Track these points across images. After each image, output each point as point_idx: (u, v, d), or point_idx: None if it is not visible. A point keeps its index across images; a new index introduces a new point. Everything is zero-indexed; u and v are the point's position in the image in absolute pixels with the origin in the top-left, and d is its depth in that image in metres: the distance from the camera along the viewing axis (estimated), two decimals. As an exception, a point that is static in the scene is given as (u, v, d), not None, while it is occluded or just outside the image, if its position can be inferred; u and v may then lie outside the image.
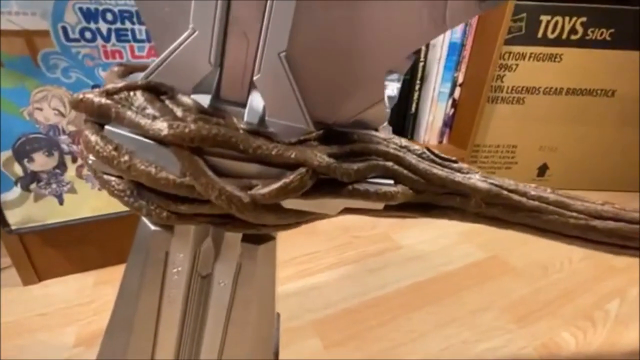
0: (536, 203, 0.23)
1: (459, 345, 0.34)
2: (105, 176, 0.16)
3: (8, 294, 0.37)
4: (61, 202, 0.34)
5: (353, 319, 0.35)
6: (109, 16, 0.29)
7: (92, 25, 0.29)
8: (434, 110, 0.60)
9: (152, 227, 0.18)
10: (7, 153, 0.31)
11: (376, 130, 0.20)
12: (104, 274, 0.40)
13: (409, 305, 0.38)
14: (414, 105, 0.60)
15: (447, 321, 0.36)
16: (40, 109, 0.30)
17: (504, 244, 0.49)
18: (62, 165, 0.33)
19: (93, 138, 0.15)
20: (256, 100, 0.17)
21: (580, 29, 0.56)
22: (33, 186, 0.33)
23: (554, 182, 0.68)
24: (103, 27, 0.29)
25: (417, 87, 0.59)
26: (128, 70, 0.18)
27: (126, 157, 0.15)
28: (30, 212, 0.33)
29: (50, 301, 0.36)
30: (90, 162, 0.16)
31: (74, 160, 0.34)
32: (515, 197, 0.22)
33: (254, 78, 0.16)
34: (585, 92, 0.60)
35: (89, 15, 0.29)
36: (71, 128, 0.32)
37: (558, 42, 0.56)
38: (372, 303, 0.38)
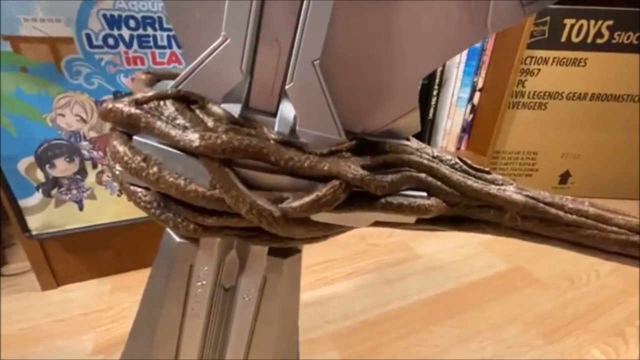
0: (574, 217, 0.22)
1: (483, 362, 0.32)
2: (132, 187, 0.16)
3: (27, 299, 0.37)
4: (81, 208, 0.34)
5: (373, 331, 0.34)
6: (132, 23, 0.29)
7: (115, 32, 0.29)
8: (452, 116, 0.59)
9: (178, 239, 0.18)
10: (30, 159, 0.31)
11: (407, 139, 0.19)
12: (121, 280, 0.39)
13: (430, 317, 0.37)
14: (431, 111, 0.59)
15: (471, 335, 0.35)
16: (63, 115, 0.30)
17: (527, 254, 0.47)
18: (82, 171, 0.33)
19: (121, 149, 0.14)
20: (287, 110, 0.16)
21: (606, 33, 0.54)
22: (54, 192, 0.33)
23: (576, 190, 0.66)
24: (126, 33, 0.29)
25: (435, 92, 0.58)
26: (155, 77, 0.17)
27: (155, 169, 0.14)
28: (51, 217, 0.33)
29: (68, 307, 0.36)
30: (117, 172, 0.15)
31: (94, 166, 0.34)
32: (553, 210, 0.21)
33: (286, 87, 0.15)
34: (610, 97, 0.58)
35: (112, 21, 0.29)
36: (92, 134, 0.32)
37: (583, 46, 0.55)
38: (392, 315, 0.37)
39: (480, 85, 0.57)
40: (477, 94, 0.58)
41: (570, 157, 0.63)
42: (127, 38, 0.29)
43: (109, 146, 0.15)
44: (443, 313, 0.37)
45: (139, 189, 0.16)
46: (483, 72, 0.56)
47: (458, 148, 0.62)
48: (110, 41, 0.29)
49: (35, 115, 0.30)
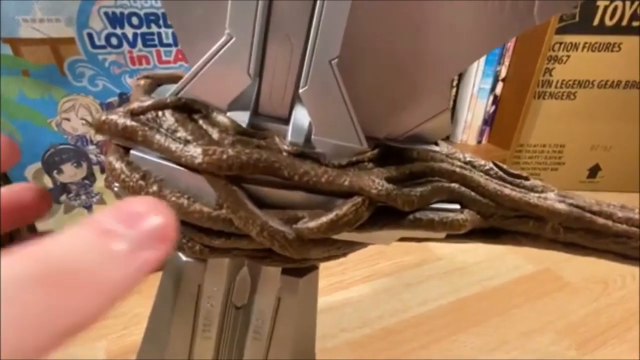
0: (624, 227, 0.19)
1: (512, 374, 0.30)
2: None
3: (41, 304, 0.36)
4: (91, 213, 0.33)
5: (393, 340, 0.33)
6: (135, 20, 0.28)
7: (118, 31, 0.27)
8: (473, 108, 0.56)
9: (184, 258, 0.16)
10: (36, 165, 0.30)
11: (436, 144, 0.17)
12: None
13: (453, 325, 0.35)
14: (451, 103, 0.56)
15: (497, 344, 0.33)
16: (68, 119, 0.29)
17: (555, 255, 0.44)
18: (90, 176, 0.32)
19: (118, 165, 0.13)
20: (301, 116, 0.14)
21: (643, 14, 0.50)
22: (63, 198, 0.32)
23: (606, 184, 0.62)
24: (129, 32, 0.28)
25: (454, 83, 0.55)
26: (155, 82, 0.16)
27: (155, 187, 0.13)
28: (61, 224, 0.33)
29: (81, 312, 0.35)
30: (115, 189, 0.14)
31: (102, 170, 0.33)
32: (600, 220, 0.19)
33: (300, 91, 0.13)
34: (646, 84, 0.54)
35: (115, 20, 0.27)
36: (99, 138, 0.31)
37: (617, 29, 0.50)
38: (412, 322, 0.35)
39: (503, 75, 0.54)
40: (500, 84, 0.55)
41: (601, 150, 0.59)
42: (130, 37, 0.28)
43: (105, 162, 0.14)
44: (466, 320, 0.35)
45: None
46: (507, 61, 0.53)
47: (479, 142, 0.59)
48: (114, 40, 0.28)
49: (40, 120, 0.29)
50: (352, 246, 0.15)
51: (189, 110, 0.13)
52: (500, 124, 0.57)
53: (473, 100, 0.55)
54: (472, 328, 0.34)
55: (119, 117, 0.13)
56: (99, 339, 0.33)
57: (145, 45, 0.29)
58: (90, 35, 0.27)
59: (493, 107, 0.56)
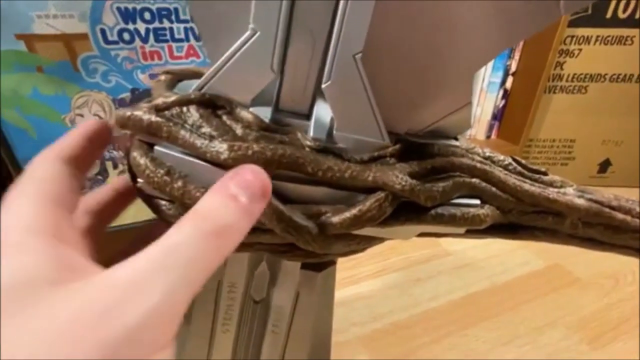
0: (644, 222, 0.19)
1: (524, 369, 0.30)
2: (155, 200, 0.14)
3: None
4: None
5: (404, 335, 0.33)
6: (147, 15, 0.28)
7: (131, 26, 0.27)
8: (482, 102, 0.55)
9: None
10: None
11: (455, 139, 0.17)
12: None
13: (464, 320, 0.35)
14: (475, 98, 0.55)
15: (509, 339, 0.33)
16: (82, 115, 0.30)
17: (564, 250, 0.43)
18: (104, 172, 0.33)
19: (142, 161, 0.13)
20: (322, 112, 0.14)
21: (657, 6, 0.49)
22: (76, 193, 0.32)
23: (616, 180, 0.61)
24: (141, 27, 0.28)
25: (463, 78, 0.54)
26: (176, 78, 0.16)
27: (180, 183, 0.13)
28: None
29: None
30: (139, 185, 0.14)
31: (115, 166, 0.33)
32: (619, 215, 0.19)
33: (323, 85, 0.13)
34: (659, 78, 0.53)
35: (127, 15, 0.27)
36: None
37: (630, 22, 0.50)
38: (423, 317, 0.35)
39: (513, 69, 0.53)
40: (510, 79, 0.54)
41: (611, 144, 0.58)
42: (142, 32, 0.28)
43: (129, 157, 0.14)
44: (477, 315, 0.35)
45: (163, 202, 0.14)
46: (517, 55, 0.52)
47: (488, 137, 0.58)
48: (126, 36, 0.28)
49: (54, 117, 0.29)
50: (372, 241, 0.16)
51: (212, 106, 0.13)
52: (510, 118, 0.56)
53: (482, 94, 0.55)
54: (483, 323, 0.35)
55: (143, 114, 0.13)
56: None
57: (157, 40, 0.29)
58: (103, 31, 0.27)
59: (503, 102, 0.56)
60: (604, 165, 0.60)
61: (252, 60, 0.13)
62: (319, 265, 0.17)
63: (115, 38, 0.28)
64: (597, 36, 0.51)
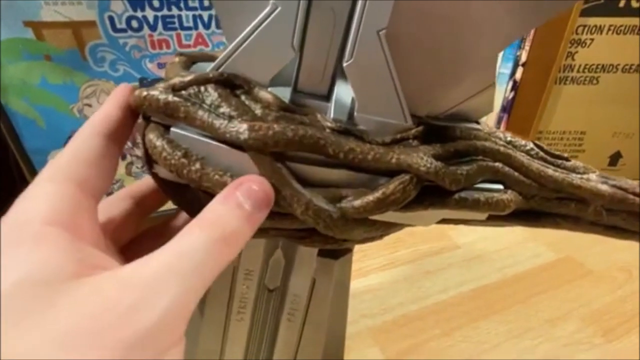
0: (668, 209, 0.19)
1: (537, 361, 0.30)
2: (172, 185, 0.14)
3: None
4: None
5: (414, 327, 0.33)
6: (156, 2, 0.27)
7: (139, 13, 0.27)
8: (491, 94, 0.54)
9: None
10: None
11: (477, 122, 0.17)
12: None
13: (475, 312, 0.34)
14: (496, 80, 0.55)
15: (521, 332, 0.33)
16: (90, 105, 0.29)
17: (576, 242, 0.43)
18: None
19: (159, 143, 0.12)
20: (343, 92, 0.14)
21: (672, -6, 0.47)
22: (84, 184, 0.32)
23: (627, 173, 0.60)
24: (150, 14, 0.27)
25: (472, 69, 0.53)
26: (190, 60, 0.15)
27: (197, 165, 0.12)
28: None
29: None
30: (154, 170, 0.14)
31: (123, 157, 0.33)
32: (644, 202, 0.18)
33: (345, 64, 0.13)
34: (673, 68, 0.52)
35: (135, 2, 0.27)
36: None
37: (644, 10, 0.48)
38: (434, 309, 0.35)
39: (523, 59, 0.52)
40: (520, 69, 0.53)
41: (622, 136, 0.57)
42: (151, 19, 0.28)
43: (144, 140, 0.13)
44: (488, 307, 0.35)
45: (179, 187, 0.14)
46: (527, 45, 0.51)
47: (497, 129, 0.57)
48: (134, 24, 0.27)
49: (62, 106, 0.29)
50: (391, 227, 0.15)
51: (231, 85, 0.13)
52: (519, 110, 0.55)
53: (491, 86, 0.54)
54: (494, 315, 0.34)
55: (160, 93, 0.12)
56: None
57: (165, 28, 0.28)
58: (111, 18, 0.27)
59: (512, 93, 0.55)
60: (615, 158, 0.60)
61: (272, 37, 0.12)
62: (336, 252, 0.17)
63: (124, 26, 0.27)
64: (610, 25, 0.50)
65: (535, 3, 0.13)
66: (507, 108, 0.56)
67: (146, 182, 0.16)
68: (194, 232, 0.10)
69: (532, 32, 0.51)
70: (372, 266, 0.40)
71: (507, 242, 0.44)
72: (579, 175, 0.18)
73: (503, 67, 0.52)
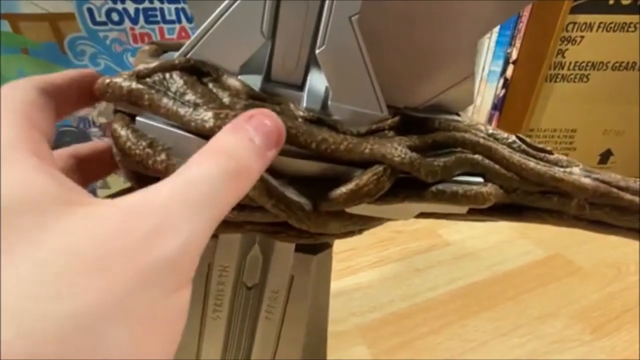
0: (652, 203, 0.18)
1: (526, 358, 0.30)
2: (137, 175, 0.14)
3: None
4: (95, 198, 0.33)
5: (402, 325, 0.32)
6: (136, -5, 0.27)
7: (119, 6, 0.26)
8: (482, 92, 0.54)
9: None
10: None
11: (457, 114, 0.16)
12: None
13: (464, 310, 0.34)
14: (479, 70, 0.54)
15: (510, 329, 0.32)
16: (70, 100, 0.29)
17: (565, 240, 0.43)
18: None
19: (124, 132, 0.12)
20: (316, 81, 0.13)
21: (661, -8, 0.48)
22: (66, 181, 0.32)
23: (618, 170, 0.60)
24: (130, 7, 0.27)
25: (463, 67, 0.53)
26: (161, 48, 0.15)
27: (163, 156, 0.12)
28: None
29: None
30: (119, 159, 0.13)
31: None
32: (627, 196, 0.18)
33: (317, 51, 0.12)
34: (662, 66, 0.52)
35: (115, -6, 0.26)
36: (101, 120, 0.30)
37: (633, 8, 0.49)
38: (422, 307, 0.34)
39: (514, 57, 0.52)
40: (511, 67, 0.53)
41: (613, 134, 0.58)
42: (132, 12, 0.27)
43: (110, 129, 0.13)
44: (478, 305, 0.35)
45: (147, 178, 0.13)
46: (518, 43, 0.51)
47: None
48: (115, 16, 0.27)
49: (41, 101, 0.28)
50: (370, 222, 0.15)
51: (198, 72, 0.12)
52: (510, 107, 0.55)
53: (483, 83, 0.54)
54: (483, 313, 0.34)
55: (123, 80, 0.12)
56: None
57: (147, 22, 0.28)
58: (90, 11, 0.26)
59: (503, 91, 0.55)
60: (605, 156, 0.60)
61: (240, 23, 0.12)
62: (314, 247, 0.17)
63: (104, 18, 0.27)
64: (600, 23, 0.50)
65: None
66: (499, 106, 0.56)
67: (93, 144, 0.14)
68: (207, 162, 0.09)
69: (523, 29, 0.51)
70: (362, 264, 0.40)
71: (497, 240, 0.44)
72: (561, 169, 0.17)
73: (494, 65, 0.52)
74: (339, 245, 0.43)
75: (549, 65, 0.51)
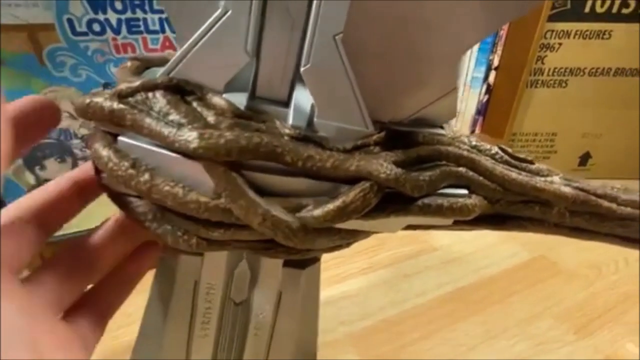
0: (629, 210, 0.19)
1: (513, 361, 0.30)
2: (123, 197, 0.13)
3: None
4: (77, 211, 0.32)
5: (393, 332, 0.32)
6: (118, 5, 0.26)
7: (101, 16, 0.26)
8: (466, 98, 0.55)
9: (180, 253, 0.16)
10: (17, 161, 0.29)
11: (441, 127, 0.17)
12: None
13: (453, 314, 0.35)
14: (461, 84, 0.55)
15: (498, 332, 0.33)
16: (50, 112, 0.28)
17: (549, 242, 0.44)
18: (75, 172, 0.31)
19: (105, 153, 0.12)
20: (302, 98, 0.14)
21: (632, 2, 0.50)
22: (47, 195, 0.31)
23: (596, 172, 0.63)
24: (112, 17, 0.26)
25: (447, 73, 0.54)
26: (144, 64, 0.15)
27: (146, 176, 0.12)
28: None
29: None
30: (103, 180, 0.13)
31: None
32: (605, 203, 0.19)
33: (302, 69, 0.12)
34: (635, 72, 0.55)
35: (97, 4, 0.26)
36: (83, 131, 0.30)
37: (607, 17, 0.51)
38: (412, 313, 0.35)
39: (496, 63, 0.54)
40: (493, 73, 0.54)
41: (592, 137, 0.60)
42: (114, 22, 0.27)
43: (91, 149, 0.12)
44: (466, 309, 0.35)
45: (131, 199, 0.13)
46: (499, 49, 0.53)
47: (472, 131, 0.58)
48: (96, 27, 0.26)
49: (19, 113, 0.27)
50: (357, 235, 0.15)
51: (181, 91, 0.12)
52: (494, 113, 0.56)
53: (466, 89, 0.55)
54: (472, 317, 0.34)
55: (104, 100, 0.12)
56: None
57: (130, 32, 0.27)
58: (70, 21, 0.25)
59: (486, 97, 0.56)
60: (585, 158, 0.62)
61: (223, 42, 0.12)
62: (302, 262, 0.17)
63: (84, 29, 0.26)
64: (577, 30, 0.51)
65: (494, 4, 0.13)
66: (482, 111, 0.57)
67: (55, 186, 0.13)
68: None
69: (504, 36, 0.53)
70: (350, 271, 0.40)
71: (484, 244, 0.44)
72: (542, 178, 0.18)
73: (476, 72, 0.54)
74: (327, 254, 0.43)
75: (529, 72, 0.53)
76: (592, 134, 0.59)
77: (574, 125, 0.58)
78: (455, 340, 0.32)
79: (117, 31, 0.27)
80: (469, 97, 0.55)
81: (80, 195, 0.14)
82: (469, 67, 0.53)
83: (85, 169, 0.14)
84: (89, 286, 0.14)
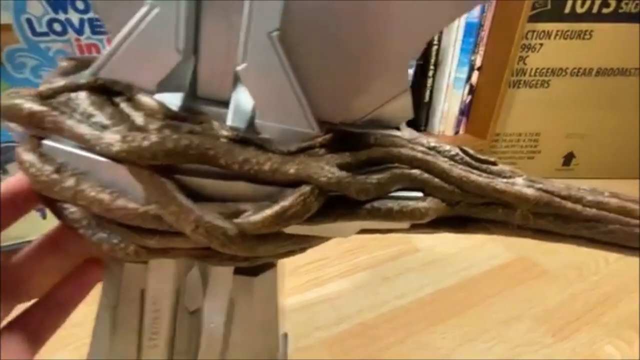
0: (594, 211, 0.19)
1: (490, 364, 0.30)
2: (58, 204, 0.13)
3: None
4: (44, 216, 0.31)
5: (369, 336, 0.32)
6: (80, 5, 0.26)
7: (61, 16, 0.25)
8: (449, 98, 0.55)
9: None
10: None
11: (397, 129, 0.16)
12: (94, 290, 0.37)
13: (431, 317, 0.34)
14: (427, 93, 0.55)
15: (476, 335, 0.33)
16: (12, 114, 0.27)
17: (531, 243, 0.44)
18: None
19: (26, 157, 0.11)
20: (242, 98, 0.13)
21: (612, 2, 0.50)
22: (11, 200, 0.30)
23: (580, 171, 0.63)
24: (74, 17, 0.26)
25: (430, 73, 0.54)
26: (81, 64, 0.14)
27: (71, 182, 0.11)
28: (10, 228, 0.30)
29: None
30: (34, 185, 0.12)
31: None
32: (569, 204, 0.18)
33: (238, 68, 0.12)
34: (617, 71, 0.55)
35: (56, 4, 0.25)
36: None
37: (588, 17, 0.51)
38: (390, 316, 0.34)
39: (478, 64, 0.54)
40: (476, 73, 0.54)
41: (575, 137, 0.60)
42: (76, 23, 0.26)
43: (15, 154, 0.12)
44: (445, 311, 0.35)
45: (65, 205, 0.13)
46: (481, 50, 0.53)
47: (456, 132, 0.58)
48: (57, 27, 0.25)
49: (-22, 116, 0.26)
50: (310, 241, 0.14)
51: (108, 92, 0.11)
52: (477, 113, 0.56)
53: (449, 90, 0.55)
54: (451, 319, 0.34)
55: (25, 101, 0.11)
56: (61, 349, 0.31)
57: (93, 32, 0.27)
58: (29, 21, 0.25)
59: (469, 97, 0.56)
60: (568, 158, 0.62)
61: (152, 40, 0.11)
62: (255, 269, 0.16)
63: (45, 29, 0.25)
64: (557, 31, 0.52)
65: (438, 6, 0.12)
66: (465, 111, 0.57)
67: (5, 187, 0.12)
68: None
69: (485, 37, 0.53)
70: (330, 274, 0.39)
71: (467, 244, 0.44)
72: (504, 180, 0.17)
73: (459, 72, 0.53)
74: (307, 256, 0.42)
75: (511, 72, 0.53)
76: (575, 134, 0.59)
77: (558, 125, 0.58)
78: (432, 344, 0.32)
79: (79, 31, 0.26)
80: (452, 98, 0.55)
81: (15, 203, 0.13)
82: (451, 67, 0.53)
83: (22, 176, 0.13)
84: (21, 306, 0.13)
